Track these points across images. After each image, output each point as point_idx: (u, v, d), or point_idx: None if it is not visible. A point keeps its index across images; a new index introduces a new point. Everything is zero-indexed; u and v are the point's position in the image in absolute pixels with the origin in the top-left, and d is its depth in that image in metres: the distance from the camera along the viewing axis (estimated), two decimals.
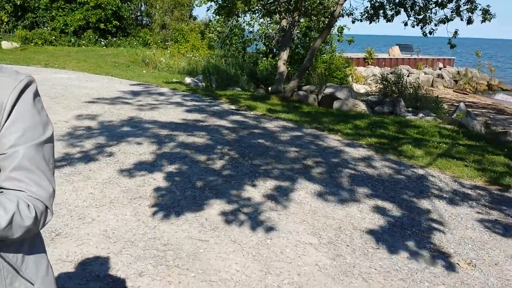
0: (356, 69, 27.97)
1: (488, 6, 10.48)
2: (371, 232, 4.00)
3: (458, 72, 30.82)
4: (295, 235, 3.85)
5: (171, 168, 5.39)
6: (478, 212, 4.63)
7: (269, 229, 3.93)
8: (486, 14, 10.51)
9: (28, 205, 1.07)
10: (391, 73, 18.96)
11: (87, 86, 11.35)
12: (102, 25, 23.61)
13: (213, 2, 12.16)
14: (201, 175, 5.20)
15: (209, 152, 6.17)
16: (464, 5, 10.69)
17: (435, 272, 3.39)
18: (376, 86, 17.34)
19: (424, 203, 4.79)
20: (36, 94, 1.16)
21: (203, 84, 14.26)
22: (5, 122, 1.09)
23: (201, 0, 12.87)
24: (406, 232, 4.04)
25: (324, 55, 20.39)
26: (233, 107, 10.04)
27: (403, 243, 3.83)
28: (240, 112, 9.46)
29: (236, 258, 3.41)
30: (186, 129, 7.42)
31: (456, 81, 29.75)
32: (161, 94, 11.22)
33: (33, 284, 1.19)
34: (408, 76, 28.22)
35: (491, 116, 16.82)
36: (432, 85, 28.92)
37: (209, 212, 4.19)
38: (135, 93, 10.90)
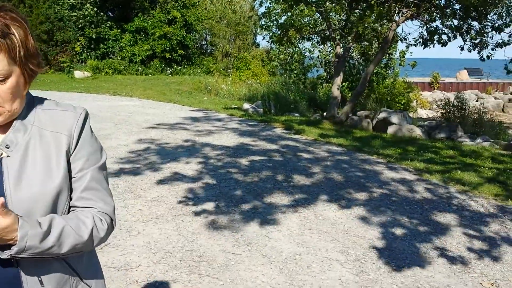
0: (421, 94, 27.51)
1: None
2: (400, 252, 4.11)
3: None
4: (324, 252, 4.04)
5: (215, 188, 5.74)
6: None
7: (300, 246, 4.14)
8: None
9: (101, 219, 1.32)
10: (456, 98, 18.63)
11: (149, 113, 12.06)
12: (167, 55, 24.81)
13: (266, 31, 12.63)
14: (243, 196, 5.50)
15: (253, 174, 6.48)
16: None
17: None
18: (437, 111, 17.06)
19: (459, 226, 4.81)
20: (89, 124, 1.38)
21: (261, 110, 14.69)
22: (74, 149, 1.32)
23: (261, 29, 13.49)
24: (435, 253, 4.12)
25: (386, 79, 20.29)
26: (285, 132, 10.33)
27: (430, 262, 3.92)
28: (291, 137, 9.73)
29: (264, 270, 3.65)
30: (236, 153, 7.78)
31: None
32: (218, 119, 11.73)
33: (90, 287, 1.41)
34: (476, 100, 27.43)
35: None
36: (502, 110, 27.89)
37: (245, 229, 4.47)
38: (194, 119, 11.46)
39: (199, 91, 19.52)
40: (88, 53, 24.14)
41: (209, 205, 5.10)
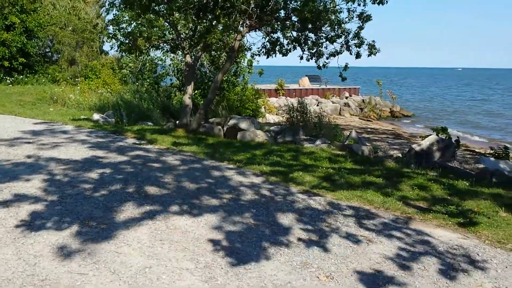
0: (268, 100, 28.97)
1: (373, 41, 11.50)
2: (246, 254, 4.35)
3: (363, 101, 32.85)
4: (174, 262, 4.11)
5: (61, 205, 5.48)
6: (347, 229, 5.14)
7: (151, 258, 4.16)
8: (372, 49, 11.51)
9: None
10: (299, 103, 19.99)
11: None
12: (6, 63, 22.90)
13: (114, 39, 12.37)
14: (91, 211, 5.34)
15: (103, 188, 6.31)
16: (352, 40, 11.65)
17: (296, 286, 3.78)
18: (283, 116, 18.16)
19: (299, 225, 5.23)
20: None
21: (113, 120, 14.25)
22: None
23: (108, 37, 13.13)
24: (279, 252, 4.43)
25: (236, 87, 21.00)
26: (137, 142, 10.20)
27: (274, 261, 4.21)
28: (143, 147, 9.64)
29: (112, 287, 3.61)
30: (84, 166, 7.49)
31: (361, 109, 31.66)
32: (65, 132, 11.15)
33: None
34: (317, 105, 29.69)
35: (390, 141, 18.09)
36: (340, 113, 30.56)
37: (93, 247, 4.35)
38: (37, 133, 10.76)
39: (44, 102, 18.35)
40: None
41: (54, 225, 4.86)
